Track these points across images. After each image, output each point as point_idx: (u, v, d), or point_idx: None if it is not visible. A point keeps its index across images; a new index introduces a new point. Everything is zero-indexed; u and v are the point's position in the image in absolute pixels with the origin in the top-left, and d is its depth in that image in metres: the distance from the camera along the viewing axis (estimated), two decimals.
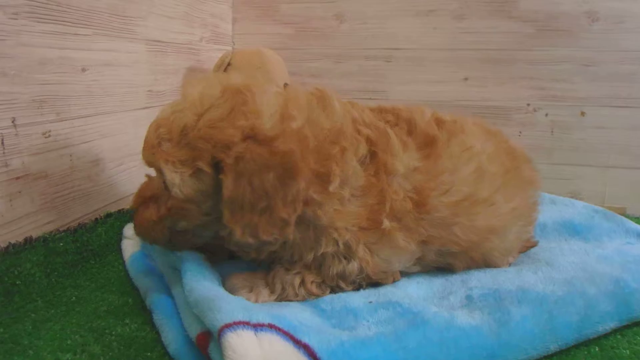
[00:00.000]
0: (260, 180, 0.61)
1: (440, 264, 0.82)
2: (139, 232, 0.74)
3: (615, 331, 0.72)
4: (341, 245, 0.70)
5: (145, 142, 0.68)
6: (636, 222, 1.24)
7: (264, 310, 0.62)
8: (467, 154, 0.79)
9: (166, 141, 0.65)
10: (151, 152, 0.67)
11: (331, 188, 0.67)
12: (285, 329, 0.58)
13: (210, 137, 0.63)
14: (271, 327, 0.58)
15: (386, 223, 0.71)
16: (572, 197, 1.41)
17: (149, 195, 0.72)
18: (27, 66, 0.78)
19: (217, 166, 0.64)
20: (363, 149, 0.72)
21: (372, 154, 0.73)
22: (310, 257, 0.71)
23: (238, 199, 0.62)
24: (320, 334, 0.59)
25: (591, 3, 1.35)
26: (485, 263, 0.84)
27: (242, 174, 0.62)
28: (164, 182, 0.66)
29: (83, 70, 0.90)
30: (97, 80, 0.94)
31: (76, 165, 0.90)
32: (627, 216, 1.33)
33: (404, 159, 0.74)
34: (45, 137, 0.83)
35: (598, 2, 1.34)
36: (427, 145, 0.77)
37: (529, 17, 1.38)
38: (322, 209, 0.67)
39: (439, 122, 0.82)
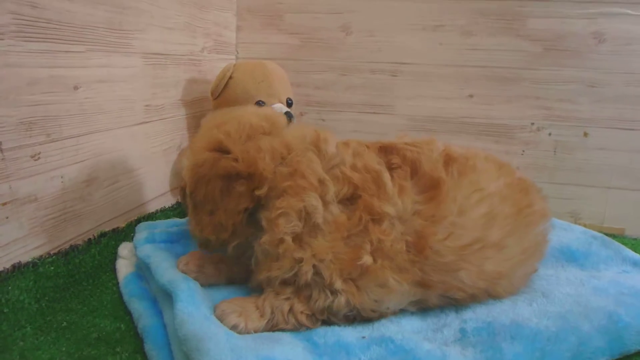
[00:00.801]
0: (212, 187, 0.74)
1: (444, 304, 0.80)
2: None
3: None
4: (310, 275, 0.72)
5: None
6: (634, 244, 1.26)
7: (253, 351, 0.62)
8: (478, 196, 0.78)
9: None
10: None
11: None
12: None
13: (193, 144, 0.80)
14: None
15: (366, 258, 0.71)
16: (572, 216, 1.42)
17: None
18: (15, 87, 0.77)
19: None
20: (336, 191, 0.74)
21: (355, 195, 0.74)
22: (278, 274, 0.73)
23: (196, 196, 0.76)
24: None
25: (599, 24, 1.33)
26: (491, 298, 0.83)
27: (201, 177, 0.75)
28: None
29: (75, 88, 0.88)
30: (90, 98, 0.92)
31: (68, 187, 0.89)
32: (626, 237, 1.34)
33: (397, 203, 0.74)
34: (35, 160, 0.81)
35: (606, 24, 1.33)
36: (431, 187, 0.77)
37: (537, 36, 1.37)
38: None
39: (449, 160, 0.81)
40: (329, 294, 0.72)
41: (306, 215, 0.72)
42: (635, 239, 1.33)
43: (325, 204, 0.73)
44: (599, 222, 1.41)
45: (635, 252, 1.05)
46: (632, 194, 1.38)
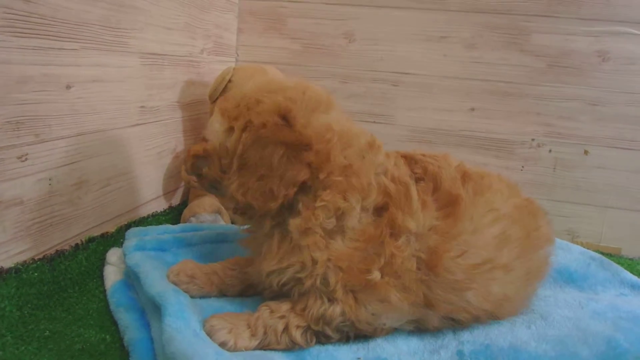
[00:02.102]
0: (271, 152, 0.69)
1: (444, 327, 0.79)
2: (184, 158, 0.86)
3: None
4: (318, 279, 0.70)
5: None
6: (631, 264, 1.25)
7: None
8: (492, 216, 0.77)
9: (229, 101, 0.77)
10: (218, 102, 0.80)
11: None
12: None
13: (253, 105, 0.73)
14: None
15: (375, 274, 0.70)
16: (569, 234, 1.42)
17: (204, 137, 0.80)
18: (4, 85, 0.73)
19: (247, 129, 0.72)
20: (374, 199, 0.72)
21: (384, 206, 0.72)
22: (288, 269, 0.71)
23: (247, 158, 0.71)
24: None
25: (603, 42, 1.33)
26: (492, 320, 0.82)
27: (260, 139, 0.70)
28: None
29: (68, 87, 0.85)
30: (82, 98, 0.89)
31: (56, 190, 0.86)
32: (622, 257, 1.34)
33: (419, 218, 0.73)
34: (22, 161, 0.78)
35: (610, 42, 1.32)
36: (449, 204, 0.75)
37: (541, 52, 1.36)
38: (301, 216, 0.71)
39: (465, 176, 0.80)
40: (325, 300, 0.71)
41: (341, 215, 0.70)
42: (631, 259, 1.33)
43: (362, 209, 0.72)
44: (596, 241, 1.41)
45: (632, 272, 1.05)
46: (630, 214, 1.38)
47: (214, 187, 0.80)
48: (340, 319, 0.71)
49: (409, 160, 0.81)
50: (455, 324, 0.78)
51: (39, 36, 0.78)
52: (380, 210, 0.72)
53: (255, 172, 0.70)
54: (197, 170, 0.80)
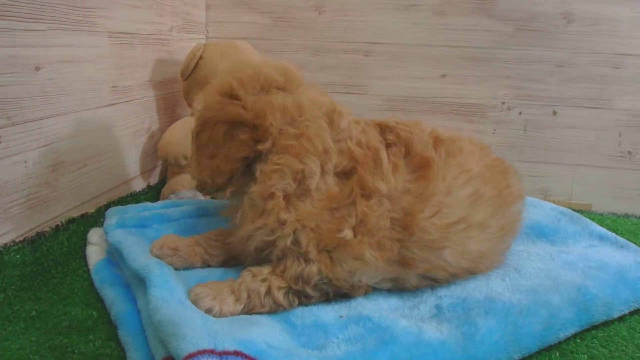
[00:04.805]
0: (216, 131, 0.74)
1: (422, 287, 0.81)
2: None
3: (574, 335, 0.75)
4: (289, 240, 0.72)
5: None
6: (600, 219, 1.30)
7: (231, 334, 0.61)
8: (465, 177, 0.80)
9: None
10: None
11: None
12: (253, 356, 0.57)
13: (205, 90, 0.79)
14: (237, 354, 0.57)
15: (346, 232, 0.72)
16: (542, 193, 1.46)
17: None
18: None
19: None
20: (336, 163, 0.75)
21: (352, 170, 0.75)
22: (260, 233, 0.74)
23: (200, 138, 0.76)
24: (289, 357, 0.59)
25: (568, 4, 1.35)
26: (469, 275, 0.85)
27: (207, 119, 0.75)
28: None
29: (37, 69, 0.84)
30: (53, 79, 0.88)
31: (32, 172, 0.85)
32: (593, 213, 1.39)
33: (390, 180, 0.75)
34: None
35: (574, 4, 1.35)
36: (422, 167, 0.78)
37: (509, 16, 1.38)
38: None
39: (437, 141, 0.83)
40: (302, 261, 0.73)
41: (301, 178, 0.73)
42: (601, 215, 1.38)
43: (324, 172, 0.74)
44: (568, 198, 1.45)
45: (601, 226, 1.08)
46: (599, 171, 1.42)
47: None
48: (318, 277, 0.73)
49: (383, 127, 0.83)
50: (434, 283, 0.81)
51: (3, 17, 0.77)
52: (347, 174, 0.75)
53: (207, 151, 0.76)
54: None
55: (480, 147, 0.89)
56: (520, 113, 1.43)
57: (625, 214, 1.40)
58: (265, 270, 0.74)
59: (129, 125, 1.16)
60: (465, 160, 0.82)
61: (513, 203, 0.87)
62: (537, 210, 1.14)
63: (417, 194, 0.76)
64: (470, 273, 0.83)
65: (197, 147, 0.78)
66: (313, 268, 0.72)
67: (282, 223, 0.73)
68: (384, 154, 0.77)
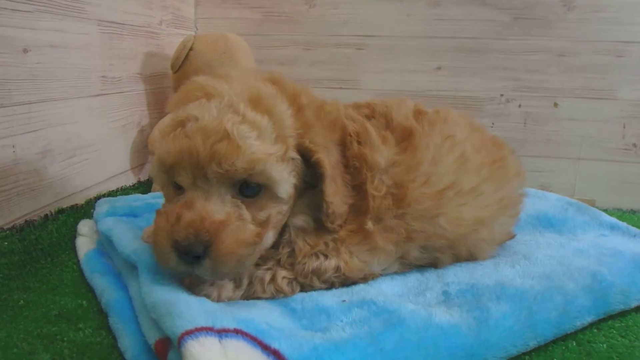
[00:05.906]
0: (334, 151, 0.69)
1: (424, 261, 0.80)
2: (231, 266, 0.61)
3: (591, 325, 0.72)
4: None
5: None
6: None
7: (230, 313, 0.58)
8: (449, 143, 0.78)
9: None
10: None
11: None
12: (253, 334, 0.54)
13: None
14: (237, 332, 0.53)
15: (369, 224, 0.70)
16: (542, 189, 1.41)
17: (219, 220, 0.60)
18: None
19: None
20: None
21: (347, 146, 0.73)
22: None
23: (333, 172, 0.67)
24: (292, 338, 0.55)
25: None
26: (472, 257, 0.83)
27: (327, 148, 0.67)
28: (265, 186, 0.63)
29: (25, 51, 0.82)
30: (42, 63, 0.86)
31: (20, 157, 0.83)
32: (596, 208, 1.35)
33: (384, 152, 0.73)
34: None
35: None
36: (405, 138, 0.77)
37: (505, 4, 1.37)
38: None
39: (420, 114, 0.82)
40: (320, 255, 0.70)
41: None
42: (605, 211, 1.33)
43: None
44: (570, 194, 1.42)
45: None
46: (602, 164, 1.40)
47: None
48: (333, 272, 0.71)
49: (357, 106, 0.82)
50: (433, 257, 0.79)
51: None
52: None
53: (338, 179, 0.73)
54: None
55: (471, 123, 0.87)
56: (519, 105, 1.41)
57: (631, 210, 1.36)
58: (271, 262, 0.71)
59: (119, 118, 1.13)
60: (448, 127, 0.80)
61: (511, 178, 0.85)
62: (543, 201, 1.12)
63: (406, 164, 0.74)
64: (469, 240, 0.80)
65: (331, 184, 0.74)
66: (332, 263, 0.70)
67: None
68: (370, 126, 0.75)
